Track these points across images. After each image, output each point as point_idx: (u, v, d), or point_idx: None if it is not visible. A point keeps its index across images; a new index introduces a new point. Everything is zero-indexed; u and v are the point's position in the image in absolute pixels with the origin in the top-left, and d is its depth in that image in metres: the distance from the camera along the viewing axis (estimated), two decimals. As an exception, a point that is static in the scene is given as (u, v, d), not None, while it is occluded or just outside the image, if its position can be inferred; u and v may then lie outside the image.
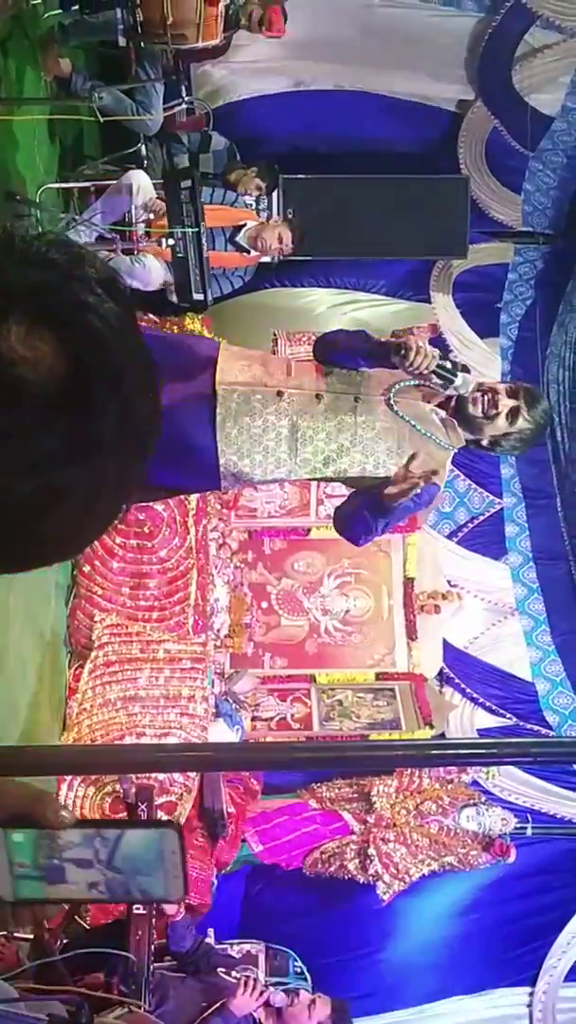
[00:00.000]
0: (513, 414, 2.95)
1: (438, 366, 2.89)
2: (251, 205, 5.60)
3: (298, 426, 2.93)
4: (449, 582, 6.51)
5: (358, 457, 2.95)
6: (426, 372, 2.86)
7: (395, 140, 6.46)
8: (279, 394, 2.95)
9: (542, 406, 3.05)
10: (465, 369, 3.08)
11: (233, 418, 2.93)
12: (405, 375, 2.99)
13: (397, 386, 3.00)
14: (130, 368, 0.74)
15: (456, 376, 2.92)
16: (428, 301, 6.65)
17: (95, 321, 0.71)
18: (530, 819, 6.19)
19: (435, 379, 2.95)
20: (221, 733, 4.92)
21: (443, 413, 3.01)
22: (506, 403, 2.96)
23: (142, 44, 4.20)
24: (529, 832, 6.14)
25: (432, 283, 6.64)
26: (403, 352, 2.87)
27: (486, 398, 2.95)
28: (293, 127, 6.34)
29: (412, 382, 3.00)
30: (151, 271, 4.81)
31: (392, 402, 2.97)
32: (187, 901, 4.41)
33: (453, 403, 3.01)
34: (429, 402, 3.02)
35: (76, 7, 4.47)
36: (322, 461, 2.97)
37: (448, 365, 2.93)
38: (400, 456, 2.92)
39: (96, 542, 4.90)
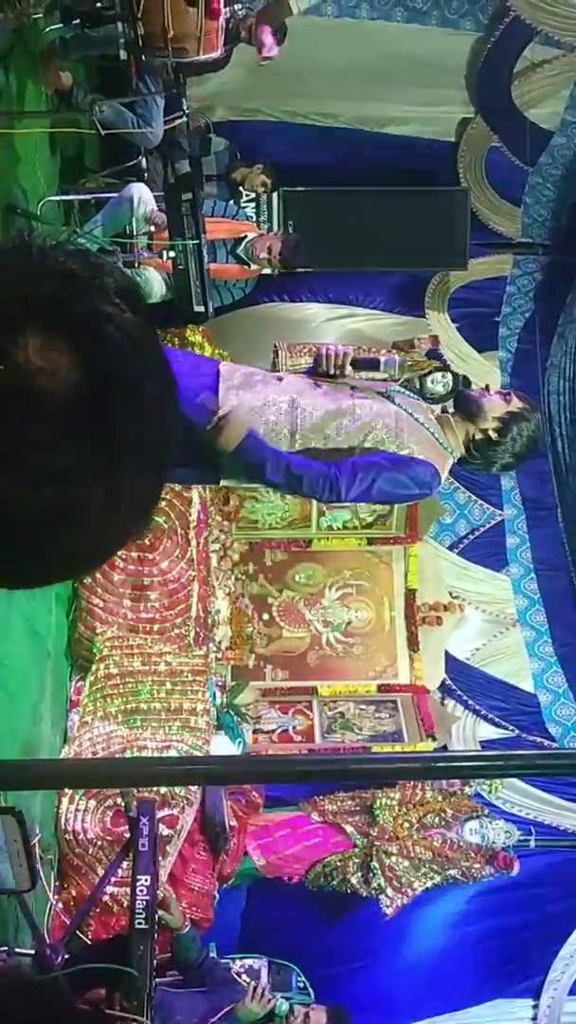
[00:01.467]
0: (506, 395, 3.09)
1: (353, 361, 3.09)
2: (252, 218, 5.62)
3: (297, 403, 3.03)
4: (451, 593, 6.50)
5: (357, 436, 3.02)
6: (347, 368, 3.09)
7: (395, 157, 6.47)
8: (280, 379, 3.13)
9: (534, 405, 3.19)
10: (467, 382, 3.18)
11: (236, 391, 3.01)
12: (392, 383, 3.22)
13: (389, 389, 3.16)
14: (148, 380, 0.73)
15: (379, 365, 3.18)
16: (424, 317, 6.67)
17: (113, 332, 0.70)
18: (533, 831, 6.16)
19: (359, 371, 3.18)
20: (223, 746, 4.90)
21: (438, 411, 3.20)
22: (497, 389, 3.19)
23: (143, 57, 4.21)
24: (532, 844, 6.11)
25: (427, 300, 6.66)
26: (318, 362, 3.12)
27: (480, 387, 3.19)
28: (291, 144, 6.37)
29: (404, 392, 3.17)
30: (151, 284, 4.82)
31: (388, 393, 3.12)
32: (190, 915, 4.38)
33: (452, 400, 3.28)
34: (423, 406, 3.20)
35: (77, 21, 4.49)
36: (322, 439, 3.02)
37: (367, 356, 3.20)
38: (398, 436, 3.02)
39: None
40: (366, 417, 3.03)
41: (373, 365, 3.17)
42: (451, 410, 3.27)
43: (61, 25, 4.60)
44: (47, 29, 4.64)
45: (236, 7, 5.11)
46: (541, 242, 6.81)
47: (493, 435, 3.07)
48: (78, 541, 0.73)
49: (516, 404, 3.08)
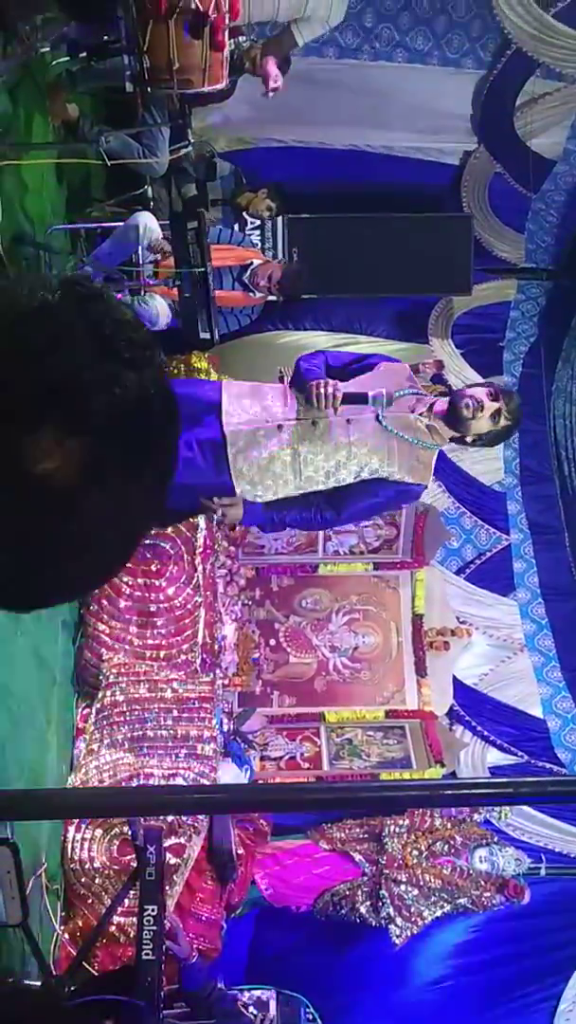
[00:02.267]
0: (496, 415, 3.37)
1: (345, 395, 3.34)
2: (257, 245, 5.66)
3: (299, 452, 3.37)
4: (458, 618, 6.47)
5: (354, 468, 3.40)
6: (338, 406, 3.33)
7: (398, 186, 6.53)
8: (279, 428, 3.39)
9: (515, 402, 3.46)
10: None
11: (243, 454, 3.36)
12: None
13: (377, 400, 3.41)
14: (149, 469, 0.77)
15: (367, 399, 3.34)
16: (427, 343, 6.70)
17: (127, 410, 0.73)
18: (544, 859, 6.10)
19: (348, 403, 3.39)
20: (230, 773, 4.86)
21: (427, 420, 3.42)
22: (490, 407, 3.36)
23: (149, 89, 4.26)
24: (543, 872, 6.05)
25: (431, 326, 6.69)
26: (309, 398, 3.34)
27: (474, 402, 3.36)
28: (294, 172, 6.42)
29: (401, 392, 3.42)
30: (157, 311, 4.85)
31: (381, 418, 3.37)
32: (197, 945, 4.34)
33: (447, 403, 3.42)
34: (414, 410, 3.44)
35: (84, 54, 4.55)
36: (324, 476, 3.40)
37: (354, 393, 3.36)
38: (391, 463, 3.37)
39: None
40: (361, 453, 3.38)
41: (362, 400, 3.35)
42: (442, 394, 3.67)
43: (68, 58, 4.66)
44: (54, 62, 4.71)
45: (240, 39, 5.18)
46: (545, 267, 6.84)
47: (469, 439, 3.45)
48: (86, 566, 0.78)
49: (503, 423, 3.39)
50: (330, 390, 3.30)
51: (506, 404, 3.39)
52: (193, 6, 3.66)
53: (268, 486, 3.39)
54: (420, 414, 3.43)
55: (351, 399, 3.34)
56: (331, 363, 3.52)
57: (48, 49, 4.47)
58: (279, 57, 5.16)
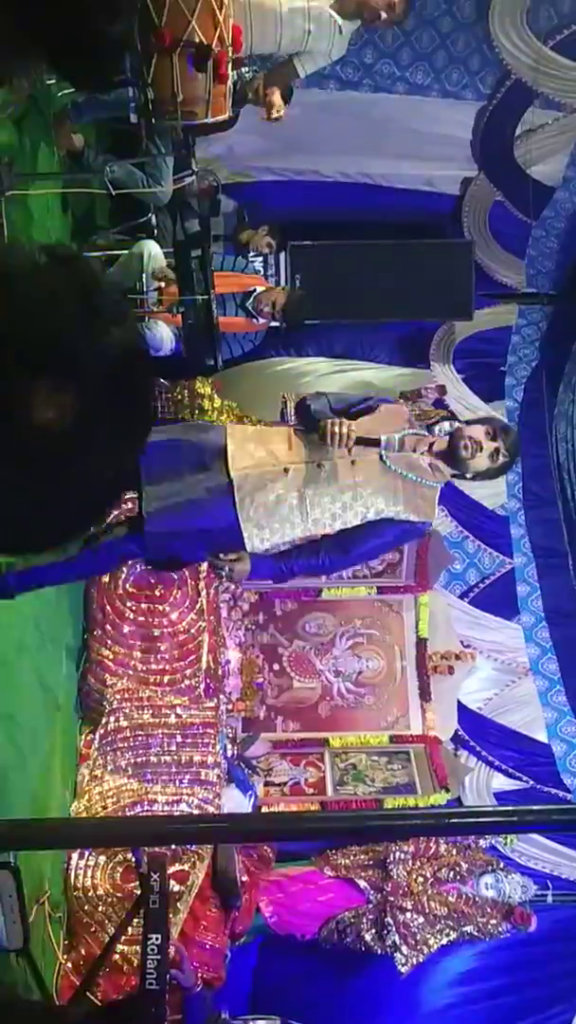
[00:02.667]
0: (495, 454, 3.44)
1: (358, 439, 3.37)
2: (260, 271, 5.71)
3: (305, 495, 3.42)
4: (462, 642, 6.46)
5: (360, 510, 3.45)
6: (350, 446, 3.37)
7: (400, 213, 6.58)
8: (285, 471, 3.44)
9: (512, 437, 3.52)
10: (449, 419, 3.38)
11: (250, 497, 3.41)
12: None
13: (384, 440, 3.45)
14: (134, 413, 0.83)
15: (380, 443, 3.41)
16: (429, 368, 6.73)
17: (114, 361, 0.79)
18: (550, 885, 6.05)
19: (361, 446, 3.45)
20: (234, 799, 4.85)
21: (429, 458, 3.47)
22: (488, 446, 3.42)
23: (153, 120, 4.31)
24: (550, 899, 6.00)
25: (432, 352, 6.72)
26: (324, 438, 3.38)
27: (472, 443, 3.42)
28: (296, 204, 6.49)
29: (398, 436, 3.47)
30: (162, 337, 4.89)
31: (384, 458, 3.43)
32: (201, 974, 4.31)
33: (446, 442, 3.48)
34: (416, 448, 3.48)
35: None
36: (330, 518, 3.44)
37: (367, 437, 3.41)
38: (396, 503, 3.43)
39: (108, 607, 4.90)
40: (367, 494, 3.43)
41: (374, 444, 3.42)
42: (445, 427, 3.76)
43: (73, 89, 4.72)
44: (60, 93, 4.77)
45: (243, 70, 5.25)
46: (545, 292, 6.88)
47: (469, 476, 3.55)
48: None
49: (500, 461, 3.45)
50: (344, 429, 3.33)
51: (504, 441, 3.44)
52: (197, 40, 3.71)
53: (275, 529, 3.42)
54: (422, 453, 3.47)
55: (364, 442, 3.39)
56: (334, 405, 3.54)
57: (54, 80, 4.53)
58: (282, 88, 5.22)
